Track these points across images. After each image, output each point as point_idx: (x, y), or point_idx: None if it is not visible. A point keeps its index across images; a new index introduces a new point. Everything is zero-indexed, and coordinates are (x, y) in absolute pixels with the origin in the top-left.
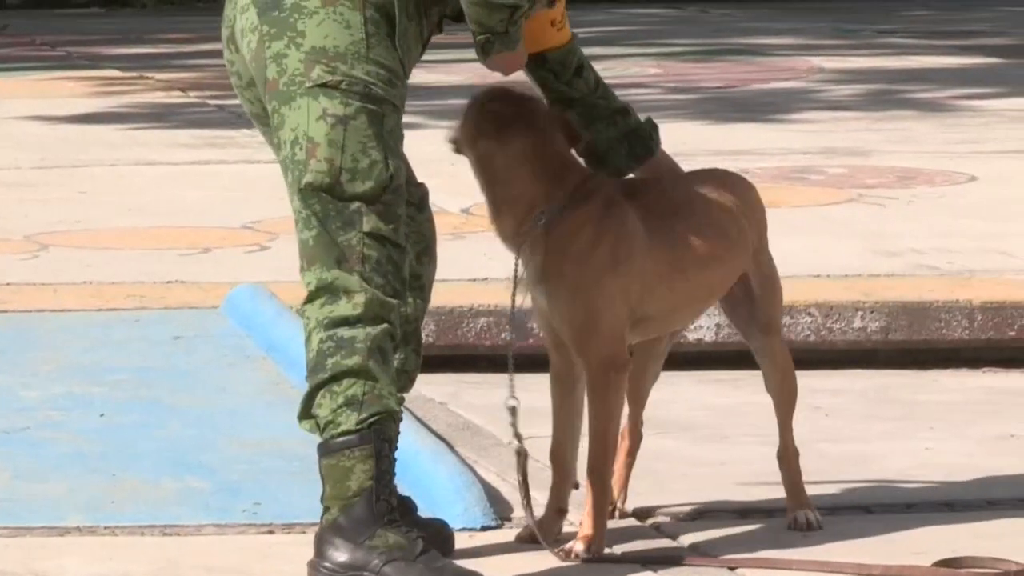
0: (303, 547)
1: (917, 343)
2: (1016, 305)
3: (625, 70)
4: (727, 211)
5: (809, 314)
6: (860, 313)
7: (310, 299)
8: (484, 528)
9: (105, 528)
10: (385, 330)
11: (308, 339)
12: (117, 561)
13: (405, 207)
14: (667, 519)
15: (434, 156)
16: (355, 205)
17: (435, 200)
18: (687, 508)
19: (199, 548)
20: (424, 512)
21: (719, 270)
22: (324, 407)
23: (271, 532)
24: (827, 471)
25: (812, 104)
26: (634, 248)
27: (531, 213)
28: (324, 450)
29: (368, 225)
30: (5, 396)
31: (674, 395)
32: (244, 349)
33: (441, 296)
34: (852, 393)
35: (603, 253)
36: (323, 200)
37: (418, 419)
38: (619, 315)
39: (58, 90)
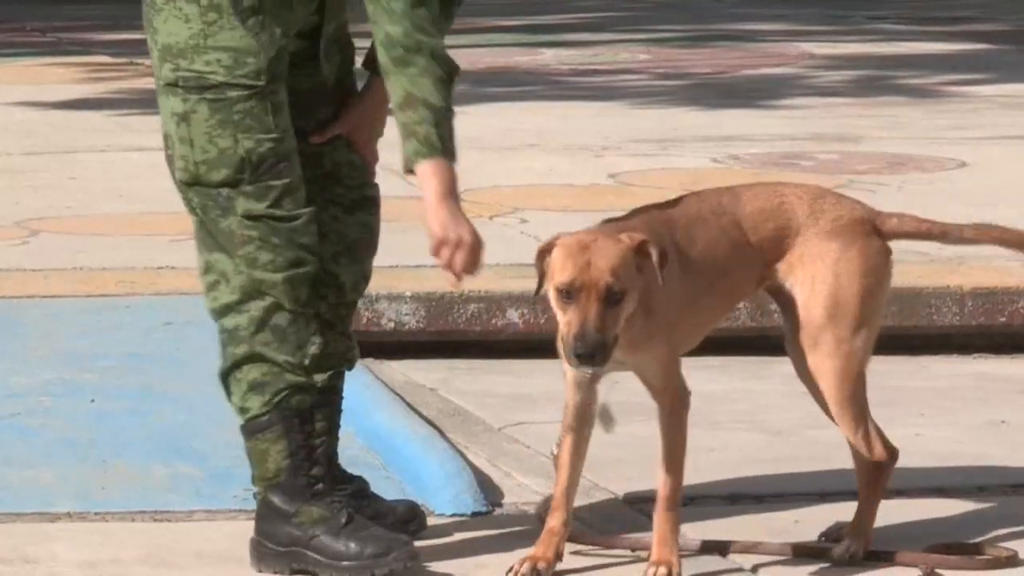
0: None
1: (907, 329)
2: (1007, 291)
3: (615, 56)
4: (730, 236)
5: None
6: None
7: (203, 283)
8: (475, 514)
9: (96, 514)
10: (270, 304)
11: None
12: (108, 547)
13: (295, 172)
14: None
15: None
16: (224, 191)
17: None
18: None
19: (190, 534)
20: (414, 498)
21: (726, 292)
22: (235, 394)
23: None
24: (818, 457)
25: (802, 90)
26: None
27: None
28: (244, 432)
29: (241, 208)
30: None
31: None
32: None
33: (431, 282)
34: None
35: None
36: (197, 191)
37: (408, 405)
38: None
39: (48, 76)
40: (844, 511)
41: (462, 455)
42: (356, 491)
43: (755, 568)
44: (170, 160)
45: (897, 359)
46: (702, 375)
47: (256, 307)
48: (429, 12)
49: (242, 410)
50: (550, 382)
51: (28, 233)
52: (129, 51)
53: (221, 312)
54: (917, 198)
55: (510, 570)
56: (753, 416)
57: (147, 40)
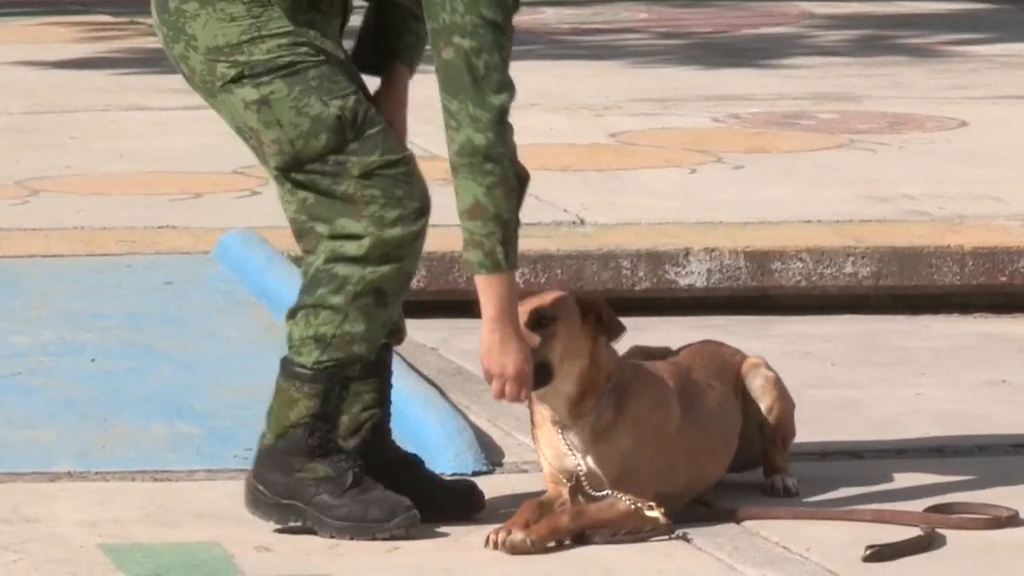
0: None
1: (908, 289)
2: (1007, 250)
3: (615, 15)
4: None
5: (800, 259)
6: (851, 259)
7: (324, 247)
8: (475, 473)
9: (96, 474)
10: (394, 269)
11: (310, 265)
12: (108, 507)
13: (382, 117)
14: None
15: (425, 101)
16: (331, 158)
17: (428, 146)
18: None
19: (190, 493)
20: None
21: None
22: (297, 328)
23: None
24: (818, 417)
25: (802, 50)
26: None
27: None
28: (283, 368)
29: (356, 169)
30: None
31: (666, 341)
32: (235, 294)
33: (433, 241)
34: (843, 339)
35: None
36: (302, 171)
37: (409, 365)
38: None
39: (49, 35)
40: (845, 470)
41: (463, 414)
42: (406, 466)
43: (753, 529)
44: (258, 151)
45: (898, 318)
46: (705, 334)
47: (379, 267)
48: (509, 126)
49: (294, 348)
50: None
51: (29, 193)
52: (130, 10)
53: (338, 258)
54: (917, 158)
55: (486, 541)
56: None
57: (173, 50)
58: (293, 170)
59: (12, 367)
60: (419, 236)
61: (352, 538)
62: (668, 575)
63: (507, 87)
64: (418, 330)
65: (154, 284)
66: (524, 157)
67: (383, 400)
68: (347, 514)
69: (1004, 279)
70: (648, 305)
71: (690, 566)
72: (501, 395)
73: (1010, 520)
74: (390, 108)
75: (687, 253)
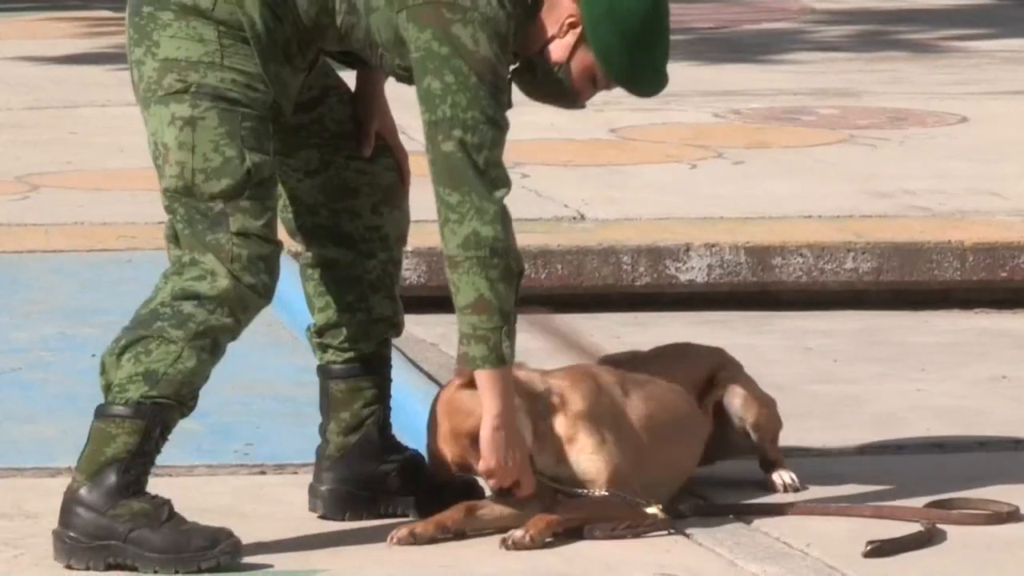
0: (295, 487)
1: (909, 284)
2: (1008, 246)
3: None
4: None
5: (801, 255)
6: (852, 254)
7: (178, 272)
8: None
9: None
10: (233, 324)
11: (152, 298)
12: None
13: (275, 200)
14: None
15: None
16: (218, 205)
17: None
18: None
19: (191, 489)
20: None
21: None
22: (124, 370)
23: (263, 473)
24: (819, 412)
25: (803, 45)
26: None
27: None
28: (99, 413)
29: (235, 225)
30: None
31: (666, 336)
32: None
33: (431, 237)
34: (844, 334)
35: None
36: (185, 204)
37: (409, 360)
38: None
39: (49, 31)
40: (845, 466)
41: None
42: (409, 462)
43: (749, 520)
44: (158, 169)
45: (898, 314)
46: (705, 330)
47: (220, 317)
48: (510, 217)
49: (118, 389)
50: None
51: (29, 188)
52: None
53: (186, 296)
54: (918, 153)
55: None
56: (755, 371)
57: (133, 53)
58: (179, 199)
59: (12, 362)
60: (257, 312)
61: (176, 571)
62: (669, 570)
63: (506, 183)
64: (418, 325)
65: (154, 280)
66: (525, 153)
67: (383, 396)
68: (168, 546)
69: (1005, 275)
70: (648, 301)
71: (691, 561)
72: (500, 487)
73: (1010, 516)
74: (376, 102)
75: (688, 248)
